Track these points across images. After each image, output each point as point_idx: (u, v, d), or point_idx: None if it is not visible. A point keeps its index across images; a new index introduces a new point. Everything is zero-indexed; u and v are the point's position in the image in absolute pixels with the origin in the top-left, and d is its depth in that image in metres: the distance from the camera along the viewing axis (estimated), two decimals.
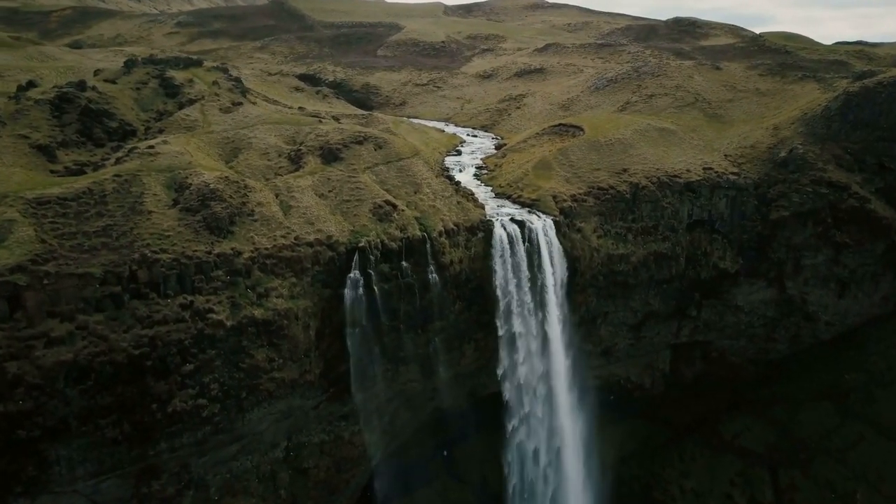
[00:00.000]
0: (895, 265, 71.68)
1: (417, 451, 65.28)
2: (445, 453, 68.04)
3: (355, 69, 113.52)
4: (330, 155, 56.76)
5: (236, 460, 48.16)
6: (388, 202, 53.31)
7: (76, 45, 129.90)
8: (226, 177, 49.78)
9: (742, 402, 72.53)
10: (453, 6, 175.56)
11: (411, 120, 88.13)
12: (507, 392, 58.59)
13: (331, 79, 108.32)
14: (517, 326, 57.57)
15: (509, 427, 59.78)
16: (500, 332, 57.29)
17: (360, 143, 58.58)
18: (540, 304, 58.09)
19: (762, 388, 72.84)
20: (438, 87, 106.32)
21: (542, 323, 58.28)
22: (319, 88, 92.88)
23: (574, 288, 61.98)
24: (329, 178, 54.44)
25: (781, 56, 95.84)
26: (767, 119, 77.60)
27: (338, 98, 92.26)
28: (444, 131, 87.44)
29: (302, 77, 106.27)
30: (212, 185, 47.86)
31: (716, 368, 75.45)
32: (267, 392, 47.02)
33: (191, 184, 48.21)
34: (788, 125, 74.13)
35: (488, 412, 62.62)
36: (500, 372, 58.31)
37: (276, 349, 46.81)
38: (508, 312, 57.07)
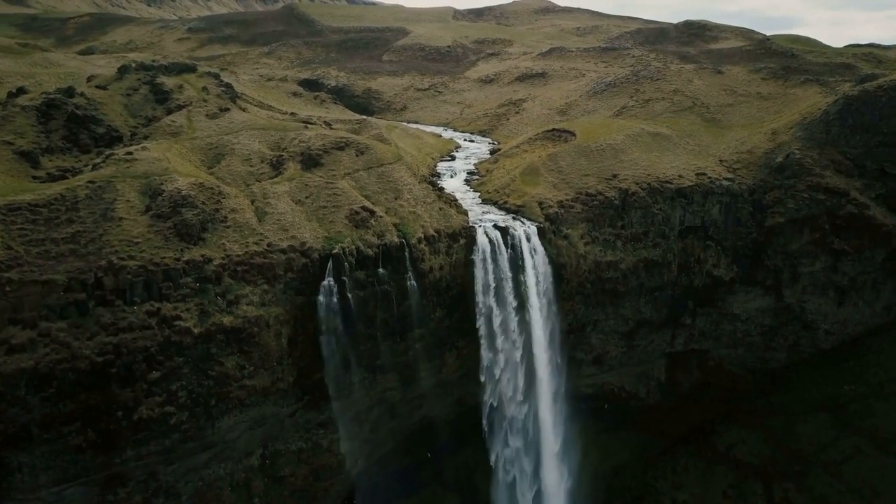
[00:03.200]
0: None
1: (405, 460, 64.54)
2: (435, 462, 67.20)
3: (358, 74, 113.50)
4: (310, 161, 56.48)
5: (208, 468, 47.81)
6: (365, 208, 52.83)
7: (88, 51, 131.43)
8: (200, 183, 49.64)
9: (738, 413, 70.93)
10: (464, 10, 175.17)
11: (408, 125, 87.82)
12: (489, 400, 57.79)
13: (333, 84, 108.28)
14: (499, 334, 56.79)
15: (491, 436, 58.97)
16: (482, 340, 56.49)
17: (341, 148, 58.23)
18: (523, 311, 57.22)
19: (759, 399, 71.24)
20: (440, 91, 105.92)
21: (526, 330, 57.42)
22: (317, 94, 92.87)
23: (560, 295, 61.03)
24: (307, 184, 54.12)
25: (787, 59, 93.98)
26: (767, 123, 76.04)
27: (336, 103, 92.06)
28: (441, 136, 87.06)
29: (305, 82, 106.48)
30: (184, 192, 47.73)
31: (713, 378, 73.89)
32: (237, 400, 46.71)
33: (164, 190, 48.11)
34: (787, 130, 72.57)
35: (478, 421, 61.74)
36: (482, 380, 57.48)
37: (246, 357, 46.48)
38: (490, 320, 56.28)
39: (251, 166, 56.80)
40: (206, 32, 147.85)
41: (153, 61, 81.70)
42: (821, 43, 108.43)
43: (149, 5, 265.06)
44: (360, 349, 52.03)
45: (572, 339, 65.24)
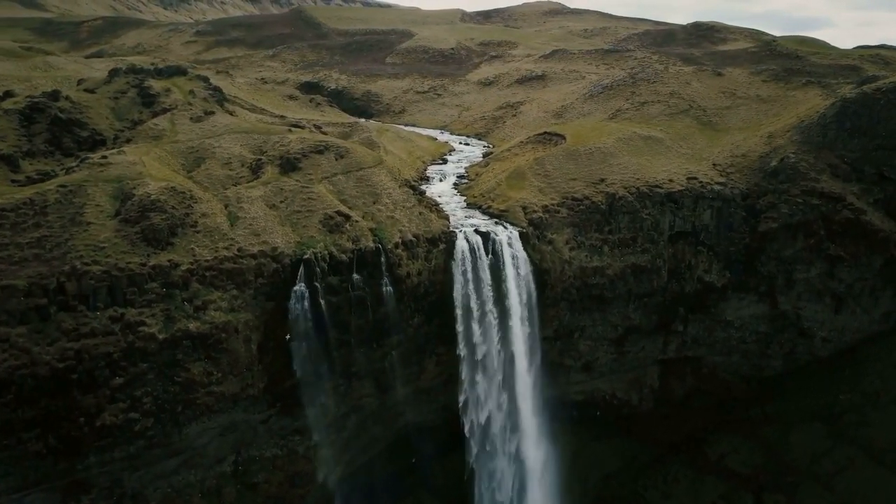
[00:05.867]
0: (895, 280, 67.87)
1: (390, 467, 63.72)
2: (422, 469, 66.38)
3: (359, 77, 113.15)
4: (288, 164, 55.92)
5: (177, 474, 47.37)
6: (340, 213, 52.15)
7: (98, 55, 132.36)
8: (171, 187, 49.25)
9: (731, 422, 69.46)
10: (472, 12, 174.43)
11: (403, 128, 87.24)
12: (468, 407, 56.91)
13: (333, 87, 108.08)
14: (479, 341, 55.86)
15: (471, 444, 58.07)
16: (461, 347, 55.61)
17: (320, 152, 57.58)
18: (503, 317, 56.31)
19: (753, 407, 69.75)
20: (439, 94, 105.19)
21: (506, 337, 56.49)
22: (313, 97, 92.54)
23: (545, 301, 59.98)
24: (282, 189, 53.56)
25: (790, 61, 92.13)
26: (764, 127, 74.43)
27: (332, 106, 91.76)
28: (436, 140, 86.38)
29: (305, 85, 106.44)
30: (153, 196, 47.36)
31: (707, 385, 72.50)
32: (205, 406, 46.20)
33: (135, 195, 47.82)
34: (783, 133, 70.97)
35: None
36: (461, 387, 56.63)
37: (214, 363, 45.96)
38: (469, 326, 55.39)
39: (231, 170, 56.37)
40: (213, 35, 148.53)
41: (152, 64, 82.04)
42: (827, 44, 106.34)
43: (165, 8, 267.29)
44: (333, 356, 51.29)
45: (559, 345, 64.24)
